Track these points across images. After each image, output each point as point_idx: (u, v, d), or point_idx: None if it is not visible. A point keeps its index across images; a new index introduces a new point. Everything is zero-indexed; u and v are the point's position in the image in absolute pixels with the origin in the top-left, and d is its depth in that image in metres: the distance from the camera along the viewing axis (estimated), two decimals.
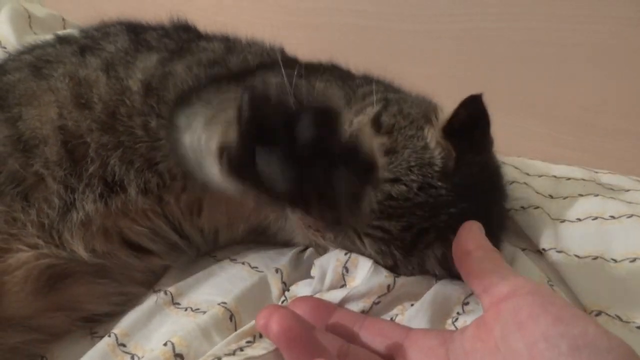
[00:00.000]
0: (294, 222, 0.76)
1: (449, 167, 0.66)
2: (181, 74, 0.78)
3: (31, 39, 1.21)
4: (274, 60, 0.85)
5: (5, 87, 0.76)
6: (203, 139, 0.56)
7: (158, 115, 0.75)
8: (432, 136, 0.68)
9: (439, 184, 0.65)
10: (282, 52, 0.94)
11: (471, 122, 0.67)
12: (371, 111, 0.74)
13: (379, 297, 0.66)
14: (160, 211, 0.77)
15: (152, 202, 0.75)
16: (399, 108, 0.73)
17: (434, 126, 0.70)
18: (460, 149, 0.67)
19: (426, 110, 0.74)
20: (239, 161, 0.44)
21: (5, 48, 1.16)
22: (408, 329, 0.57)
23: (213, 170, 0.50)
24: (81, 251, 0.70)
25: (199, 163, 0.58)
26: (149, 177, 0.74)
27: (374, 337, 0.56)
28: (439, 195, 0.65)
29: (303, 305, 0.56)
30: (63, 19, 1.40)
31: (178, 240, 0.79)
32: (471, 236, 0.57)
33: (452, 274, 0.68)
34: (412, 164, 0.65)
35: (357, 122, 0.72)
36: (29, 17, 1.27)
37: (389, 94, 0.80)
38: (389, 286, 0.67)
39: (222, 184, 0.50)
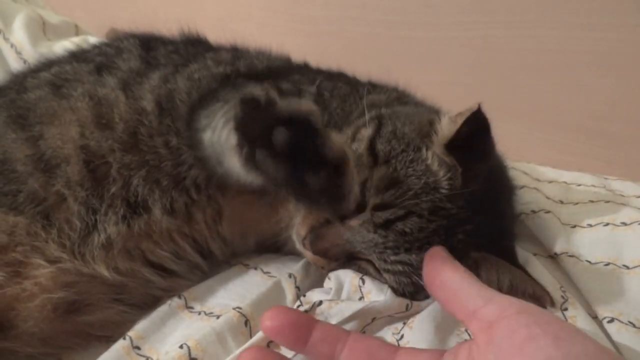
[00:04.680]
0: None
1: (456, 185, 0.65)
2: (183, 84, 0.78)
3: (45, 45, 1.23)
4: (282, 64, 0.85)
5: (26, 106, 0.76)
6: (223, 136, 0.59)
7: (177, 134, 0.75)
8: (432, 156, 0.67)
9: (449, 205, 0.64)
10: (289, 60, 0.94)
11: (473, 132, 0.65)
12: (364, 134, 0.72)
13: (396, 313, 0.67)
14: (188, 232, 0.77)
15: (179, 223, 0.75)
16: (393, 129, 0.71)
17: (433, 143, 0.68)
18: (465, 162, 0.65)
19: (420, 125, 0.71)
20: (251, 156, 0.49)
21: (20, 54, 1.18)
22: (396, 348, 0.54)
23: (234, 163, 0.55)
24: (103, 270, 0.70)
25: (219, 160, 0.62)
26: (176, 197, 0.74)
27: (360, 356, 0.52)
28: (451, 215, 0.64)
29: (282, 318, 0.52)
30: (76, 26, 1.41)
31: (200, 261, 0.79)
32: (441, 265, 0.54)
33: None
34: (418, 190, 0.64)
35: (351, 152, 0.70)
36: (44, 23, 1.29)
37: (383, 108, 0.78)
38: (407, 305, 0.67)
39: (241, 176, 0.55)
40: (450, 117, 0.68)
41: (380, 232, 0.64)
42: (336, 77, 0.88)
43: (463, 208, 0.65)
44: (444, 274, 0.53)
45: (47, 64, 0.87)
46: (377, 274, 0.70)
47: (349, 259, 0.70)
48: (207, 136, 0.65)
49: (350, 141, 0.74)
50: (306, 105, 0.47)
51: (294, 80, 0.80)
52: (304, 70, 0.85)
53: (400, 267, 0.65)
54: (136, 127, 0.75)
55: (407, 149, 0.68)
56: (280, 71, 0.83)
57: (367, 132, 0.72)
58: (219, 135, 0.61)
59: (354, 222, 0.67)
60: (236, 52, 0.89)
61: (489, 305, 0.47)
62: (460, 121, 0.64)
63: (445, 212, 0.64)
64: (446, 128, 0.67)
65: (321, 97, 0.79)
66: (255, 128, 0.45)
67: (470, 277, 0.51)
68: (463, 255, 0.65)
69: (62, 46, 1.21)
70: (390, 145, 0.69)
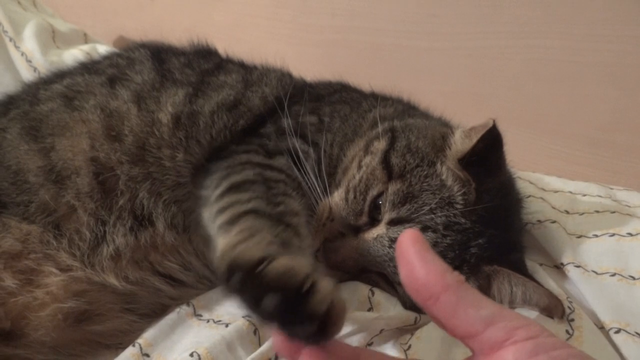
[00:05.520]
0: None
1: (469, 200, 0.66)
2: (208, 116, 0.79)
3: (55, 53, 1.25)
4: (285, 92, 0.85)
5: (39, 117, 0.78)
6: (213, 230, 0.63)
7: (185, 150, 0.77)
8: (446, 171, 0.68)
9: (463, 220, 0.65)
10: (291, 77, 0.95)
11: (486, 147, 0.67)
12: (378, 147, 0.73)
13: (405, 326, 0.67)
14: (191, 249, 0.77)
15: (181, 239, 0.76)
16: (407, 143, 0.72)
17: (447, 157, 0.69)
18: (478, 177, 0.67)
19: (433, 139, 0.73)
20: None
21: (30, 62, 1.19)
22: None
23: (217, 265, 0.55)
24: (113, 280, 0.71)
25: (209, 244, 0.65)
26: (175, 212, 0.75)
27: None
28: (465, 229, 0.65)
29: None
30: (85, 34, 1.43)
31: (208, 273, 0.79)
32: (425, 266, 0.45)
33: None
34: (434, 206, 0.65)
35: (365, 164, 0.73)
36: (53, 32, 1.30)
37: (395, 121, 0.80)
38: (416, 318, 0.68)
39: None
40: (464, 132, 0.70)
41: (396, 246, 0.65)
42: (337, 97, 0.89)
43: (476, 222, 0.66)
44: (434, 289, 0.45)
45: (59, 75, 0.88)
46: (388, 287, 0.70)
47: (361, 272, 0.71)
48: (205, 214, 0.68)
49: (363, 153, 0.75)
50: (298, 263, 0.45)
51: (295, 113, 0.81)
52: (304, 94, 0.86)
53: None
54: (146, 139, 0.76)
55: (422, 164, 0.69)
56: (286, 99, 0.84)
57: (380, 145, 0.73)
58: (210, 225, 0.65)
59: (368, 236, 0.68)
60: (246, 75, 0.89)
61: (490, 329, 0.43)
62: (475, 137, 0.66)
63: (459, 227, 0.65)
64: (460, 143, 0.69)
65: (322, 124, 0.80)
66: (245, 293, 0.45)
67: (465, 293, 0.45)
68: (475, 269, 0.66)
69: (72, 54, 1.23)
70: (405, 160, 0.70)
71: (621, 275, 0.71)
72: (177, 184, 0.76)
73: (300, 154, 0.75)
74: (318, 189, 0.73)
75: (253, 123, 0.82)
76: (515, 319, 0.44)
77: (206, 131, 0.79)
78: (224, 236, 0.59)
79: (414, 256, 0.45)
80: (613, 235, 0.76)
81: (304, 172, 0.74)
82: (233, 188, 0.67)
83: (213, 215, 0.65)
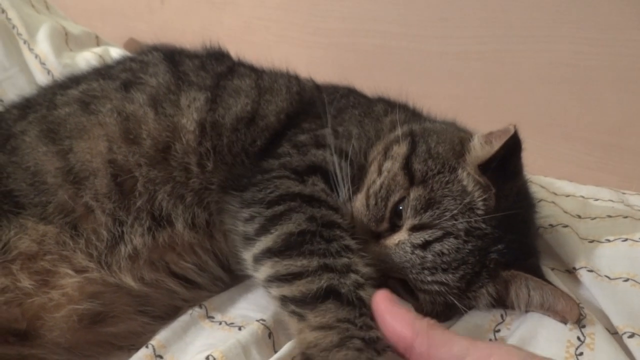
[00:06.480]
0: None
1: (490, 206, 0.66)
2: (230, 130, 0.79)
3: (68, 55, 1.26)
4: (297, 105, 0.86)
5: (57, 121, 0.78)
6: (277, 296, 0.63)
7: (215, 163, 0.77)
8: (467, 176, 0.68)
9: (483, 225, 0.66)
10: (298, 81, 0.94)
11: (507, 154, 0.67)
12: (398, 151, 0.73)
13: None
14: (209, 247, 0.78)
15: (201, 238, 0.76)
16: (427, 148, 0.72)
17: (467, 163, 0.69)
18: (497, 182, 0.67)
19: (452, 144, 0.73)
20: None
21: (44, 64, 1.20)
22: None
23: None
24: (129, 280, 0.71)
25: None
26: (198, 213, 0.76)
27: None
28: (485, 235, 0.66)
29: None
30: (96, 36, 1.44)
31: (222, 274, 0.80)
32: (395, 319, 0.50)
33: (505, 305, 0.69)
34: (455, 212, 0.65)
35: (386, 169, 0.72)
36: (66, 34, 1.31)
37: (413, 124, 0.80)
38: None
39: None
40: (483, 137, 0.70)
41: (418, 252, 0.65)
42: (344, 102, 0.89)
43: (496, 228, 0.66)
44: (421, 348, 0.48)
45: (74, 80, 0.89)
46: (407, 293, 0.70)
47: (379, 277, 0.71)
48: (248, 258, 0.68)
49: (382, 157, 0.75)
50: None
51: (307, 129, 0.81)
52: (311, 107, 0.86)
53: (436, 287, 0.66)
54: (168, 143, 0.76)
55: (443, 170, 0.69)
56: (298, 113, 0.84)
57: (401, 150, 0.73)
58: (265, 282, 0.65)
59: (390, 242, 0.68)
60: (257, 80, 0.89)
61: None
62: (497, 144, 0.67)
63: (480, 233, 0.66)
64: (479, 148, 0.69)
65: (337, 133, 0.80)
66: None
67: (432, 333, 0.49)
68: (494, 274, 0.66)
69: (85, 57, 1.24)
70: (427, 166, 0.70)
71: (634, 281, 0.71)
72: (205, 188, 0.76)
73: (336, 167, 0.73)
74: (347, 195, 0.73)
75: (268, 144, 0.81)
76: (487, 348, 0.46)
77: (229, 148, 0.78)
78: (302, 324, 0.58)
79: (384, 313, 0.51)
80: (626, 240, 0.76)
81: (337, 184, 0.73)
82: (292, 246, 0.64)
83: (270, 275, 0.64)
